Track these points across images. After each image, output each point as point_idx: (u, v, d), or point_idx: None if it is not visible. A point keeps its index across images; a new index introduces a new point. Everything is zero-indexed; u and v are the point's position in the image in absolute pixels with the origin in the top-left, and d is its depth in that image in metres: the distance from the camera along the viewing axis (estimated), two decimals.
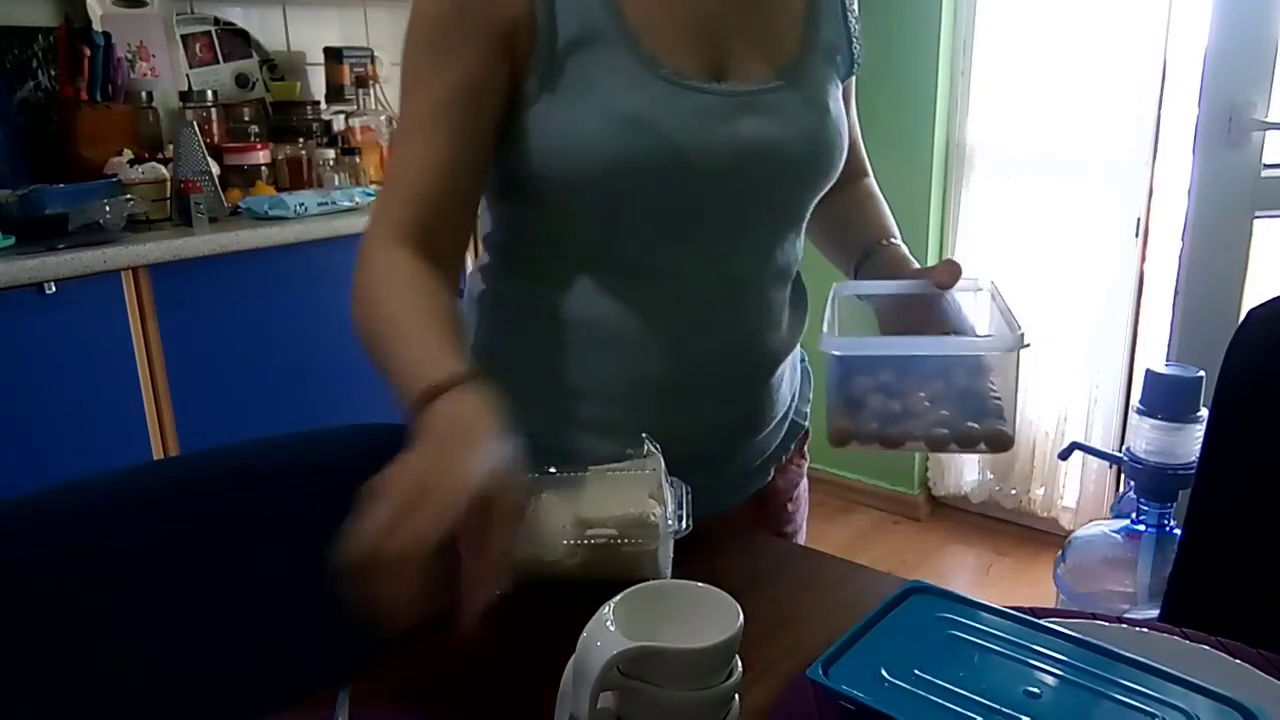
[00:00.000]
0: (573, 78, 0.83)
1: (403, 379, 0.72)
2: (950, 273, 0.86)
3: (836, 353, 0.77)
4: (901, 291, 0.91)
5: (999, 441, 0.76)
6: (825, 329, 0.79)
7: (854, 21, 0.96)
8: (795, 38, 0.91)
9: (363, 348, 0.80)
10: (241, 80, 2.47)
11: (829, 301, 0.87)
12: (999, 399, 0.79)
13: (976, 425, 0.76)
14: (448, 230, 0.84)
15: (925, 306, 0.88)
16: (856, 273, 0.98)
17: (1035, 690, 0.62)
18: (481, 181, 0.87)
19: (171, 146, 2.14)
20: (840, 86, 0.95)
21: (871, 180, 1.09)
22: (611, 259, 0.88)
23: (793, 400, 1.04)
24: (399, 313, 0.78)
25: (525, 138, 0.85)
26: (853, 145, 1.02)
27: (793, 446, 1.06)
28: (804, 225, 0.97)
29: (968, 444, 0.76)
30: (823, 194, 0.96)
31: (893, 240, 0.99)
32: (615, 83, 0.83)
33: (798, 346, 1.02)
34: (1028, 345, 0.75)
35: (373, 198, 1.53)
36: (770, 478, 1.04)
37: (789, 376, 1.01)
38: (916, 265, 0.95)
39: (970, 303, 0.89)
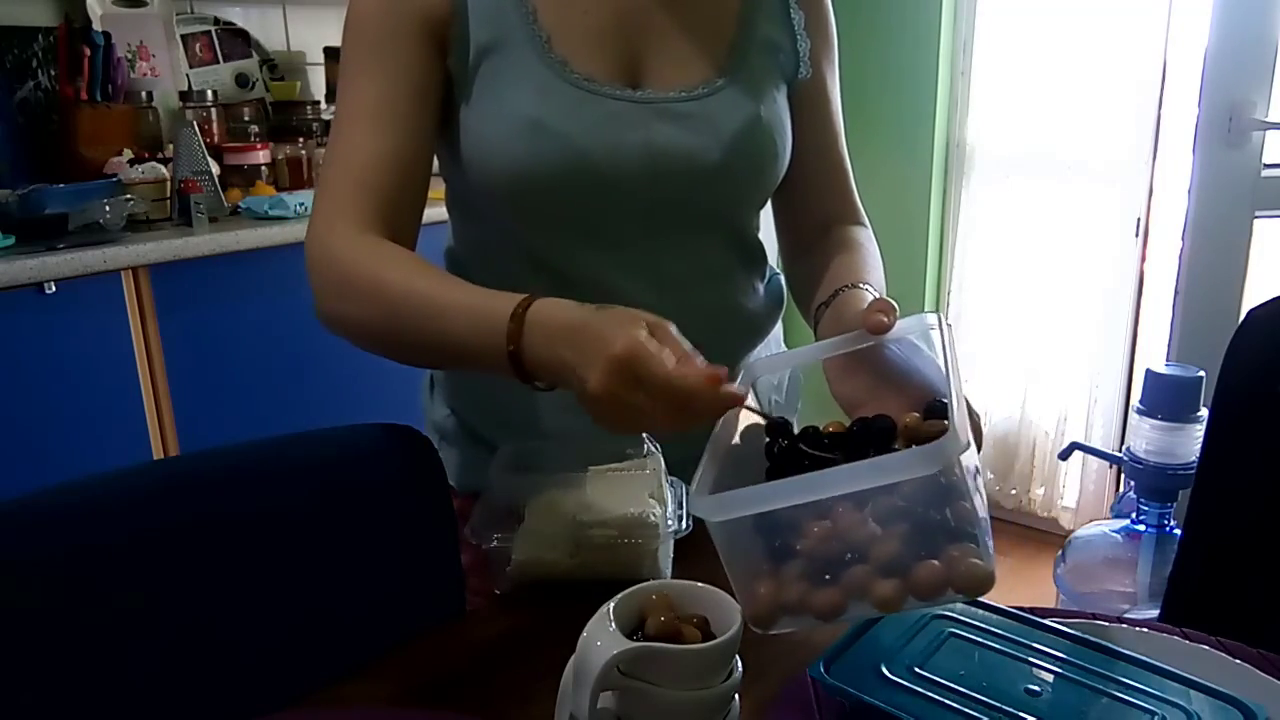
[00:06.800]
0: (485, 84, 0.83)
1: (480, 324, 0.71)
2: (880, 312, 0.69)
3: (715, 519, 0.57)
4: (831, 352, 0.73)
5: (973, 582, 0.55)
6: (697, 479, 0.60)
7: (797, 17, 0.92)
8: (728, 36, 0.89)
9: (373, 334, 0.79)
10: (241, 80, 2.46)
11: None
12: (965, 507, 0.57)
13: (938, 563, 0.56)
14: (402, 224, 0.83)
15: (875, 362, 0.73)
16: (816, 327, 0.85)
17: (1035, 688, 0.62)
18: (426, 180, 0.87)
19: (171, 146, 2.14)
20: (784, 88, 0.92)
21: (859, 229, 0.96)
22: (541, 267, 0.88)
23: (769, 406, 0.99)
24: (416, 280, 0.77)
25: (457, 146, 0.86)
26: (838, 187, 0.98)
27: None
28: (750, 226, 0.95)
29: (932, 592, 0.56)
30: (761, 203, 0.93)
31: (858, 285, 0.83)
32: (522, 88, 0.82)
33: (767, 346, 0.98)
34: (968, 446, 0.53)
35: None
36: None
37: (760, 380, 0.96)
38: None
39: (925, 345, 0.72)
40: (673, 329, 0.66)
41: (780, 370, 0.76)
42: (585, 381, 0.64)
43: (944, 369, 0.64)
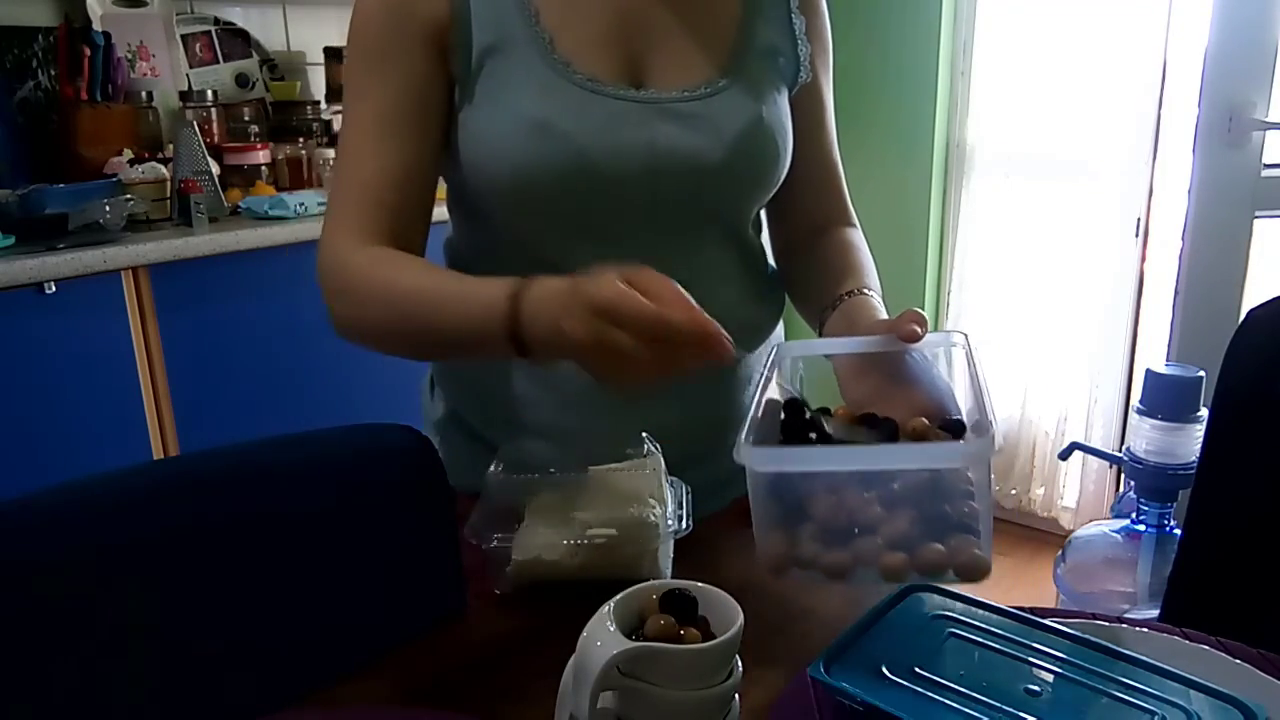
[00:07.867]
0: (487, 85, 0.84)
1: (476, 311, 0.75)
2: (914, 323, 0.74)
3: (758, 468, 0.63)
4: (861, 349, 0.78)
5: (973, 570, 0.63)
6: (744, 433, 0.66)
7: (798, 22, 0.93)
8: (729, 39, 0.89)
9: (388, 336, 0.83)
10: (241, 80, 2.47)
11: (766, 368, 0.77)
12: (971, 506, 0.64)
13: (942, 548, 0.63)
14: (411, 236, 0.86)
15: (890, 366, 0.78)
16: (821, 328, 0.89)
17: (1035, 688, 0.62)
18: (433, 187, 0.88)
19: (171, 146, 2.14)
20: (785, 92, 0.93)
21: (853, 231, 1.00)
22: (541, 265, 0.87)
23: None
24: (422, 280, 0.81)
25: (456, 148, 0.86)
26: (832, 190, 0.99)
27: None
28: (750, 226, 0.96)
29: (932, 571, 0.64)
30: (762, 203, 0.94)
31: (864, 290, 0.88)
32: (525, 89, 0.83)
33: (768, 347, 0.98)
34: (1000, 450, 0.61)
35: None
36: None
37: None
38: (884, 316, 0.84)
39: (944, 361, 0.78)
40: (655, 274, 0.67)
41: (810, 355, 0.82)
42: (572, 333, 0.66)
43: (973, 381, 0.71)
